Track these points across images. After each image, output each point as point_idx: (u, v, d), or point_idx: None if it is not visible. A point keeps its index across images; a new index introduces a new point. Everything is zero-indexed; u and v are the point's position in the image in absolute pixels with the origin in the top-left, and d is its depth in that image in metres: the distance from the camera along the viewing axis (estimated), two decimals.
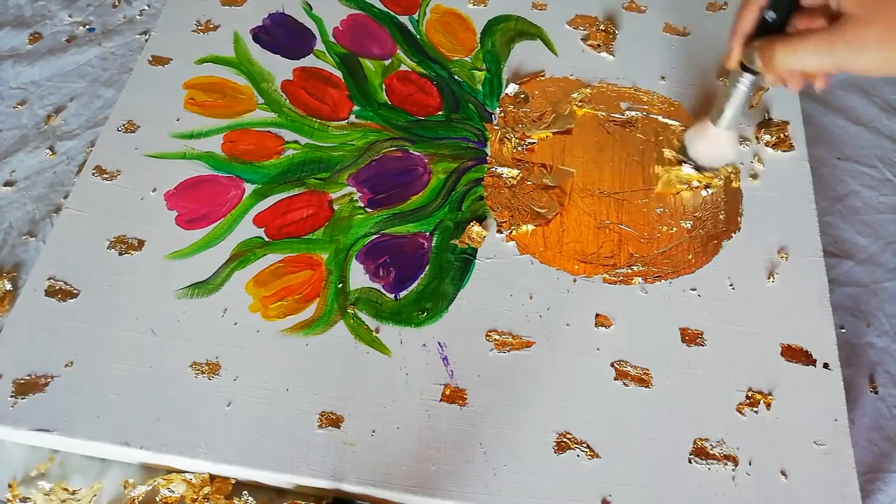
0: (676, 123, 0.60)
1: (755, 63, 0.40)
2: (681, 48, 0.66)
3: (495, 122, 0.61)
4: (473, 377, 0.48)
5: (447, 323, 0.50)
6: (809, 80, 0.41)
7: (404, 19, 0.68)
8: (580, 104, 0.61)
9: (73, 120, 0.64)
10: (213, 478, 0.46)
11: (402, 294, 0.52)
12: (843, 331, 0.53)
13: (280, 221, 0.55)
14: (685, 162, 0.53)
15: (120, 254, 0.53)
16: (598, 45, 0.65)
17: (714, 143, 0.49)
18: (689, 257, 0.53)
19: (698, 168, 0.52)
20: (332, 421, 0.46)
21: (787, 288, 0.52)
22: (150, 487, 0.46)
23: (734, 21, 0.41)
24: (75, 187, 0.56)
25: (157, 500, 0.45)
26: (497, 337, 0.50)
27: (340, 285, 0.52)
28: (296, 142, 0.59)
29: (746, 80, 0.41)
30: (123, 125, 0.60)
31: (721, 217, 0.55)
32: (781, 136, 0.58)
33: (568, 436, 0.46)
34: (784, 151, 0.58)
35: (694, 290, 0.52)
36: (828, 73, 0.41)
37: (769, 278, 0.52)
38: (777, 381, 0.48)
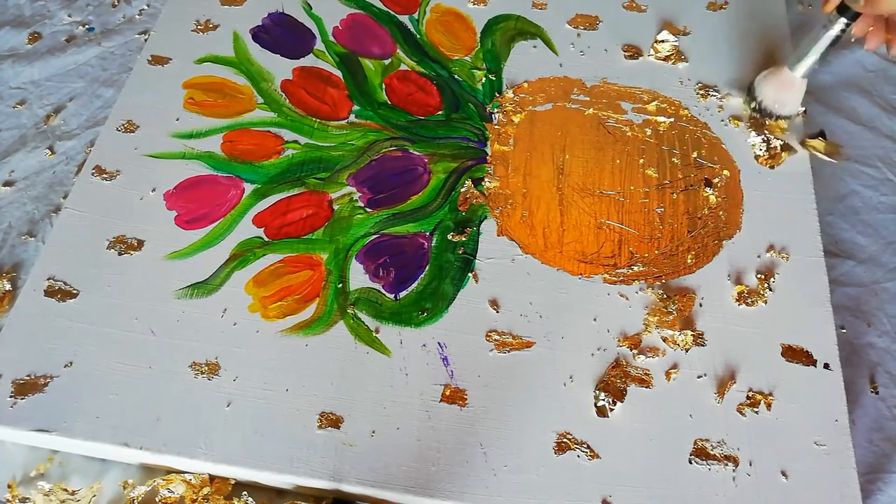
0: (670, 121, 0.60)
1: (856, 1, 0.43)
2: (681, 48, 0.66)
3: (495, 123, 0.61)
4: (473, 377, 0.48)
5: (447, 323, 0.50)
6: (888, 42, 0.45)
7: (404, 19, 0.68)
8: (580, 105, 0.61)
9: (72, 120, 0.64)
10: (212, 478, 0.46)
11: (402, 294, 0.52)
12: (844, 331, 0.53)
13: (280, 221, 0.55)
14: (752, 107, 0.53)
15: (119, 254, 0.53)
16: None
17: (786, 88, 0.50)
18: (690, 257, 0.53)
19: (762, 112, 0.53)
20: (332, 421, 0.46)
21: (788, 288, 0.52)
22: (150, 488, 0.45)
23: None
24: (75, 187, 0.56)
25: (157, 500, 0.45)
26: (497, 337, 0.50)
27: (340, 285, 0.52)
28: (295, 141, 0.59)
29: (840, 24, 0.44)
30: (123, 125, 0.60)
31: (722, 217, 0.55)
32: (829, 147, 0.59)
33: (568, 436, 0.46)
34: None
35: (694, 290, 0.52)
36: None
37: (769, 278, 0.52)
38: (777, 382, 0.48)
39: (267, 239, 0.54)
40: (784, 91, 0.51)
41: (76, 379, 0.47)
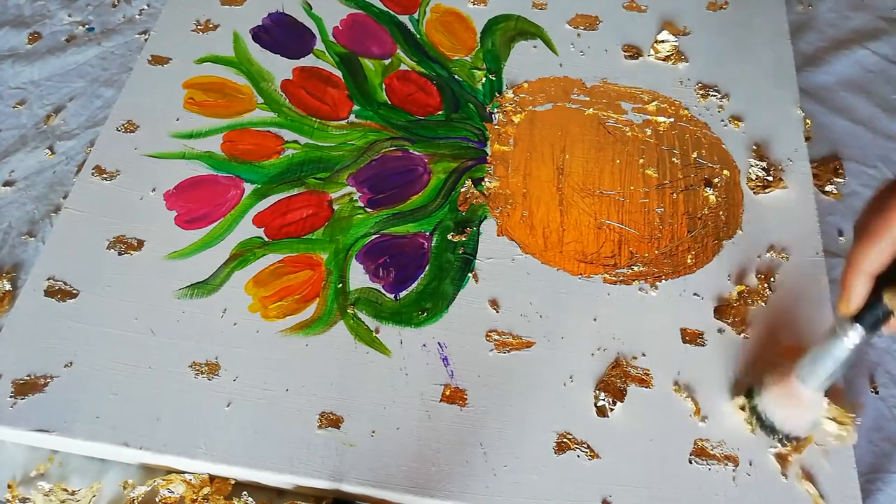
0: (670, 121, 0.60)
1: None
2: (681, 48, 0.66)
3: (495, 123, 0.61)
4: (473, 377, 0.48)
5: (447, 323, 0.50)
6: None
7: (404, 19, 0.68)
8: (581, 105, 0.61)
9: (72, 120, 0.64)
10: (212, 478, 0.46)
11: (402, 294, 0.52)
12: None
13: (280, 221, 0.55)
14: (761, 427, 0.44)
15: (119, 254, 0.53)
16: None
17: (801, 405, 0.40)
18: (690, 257, 0.53)
19: (775, 433, 0.43)
20: (332, 421, 0.46)
21: (787, 288, 0.52)
22: (150, 488, 0.45)
23: (851, 255, 0.32)
24: (75, 187, 0.56)
25: (157, 500, 0.45)
26: (497, 337, 0.50)
27: (340, 285, 0.52)
28: (295, 141, 0.59)
29: (856, 334, 0.33)
30: (123, 125, 0.60)
31: (722, 217, 0.55)
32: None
33: (568, 436, 0.46)
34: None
35: (695, 291, 0.52)
36: None
37: (769, 278, 0.52)
38: None
39: (267, 239, 0.54)
40: (796, 409, 0.40)
41: (76, 379, 0.47)
